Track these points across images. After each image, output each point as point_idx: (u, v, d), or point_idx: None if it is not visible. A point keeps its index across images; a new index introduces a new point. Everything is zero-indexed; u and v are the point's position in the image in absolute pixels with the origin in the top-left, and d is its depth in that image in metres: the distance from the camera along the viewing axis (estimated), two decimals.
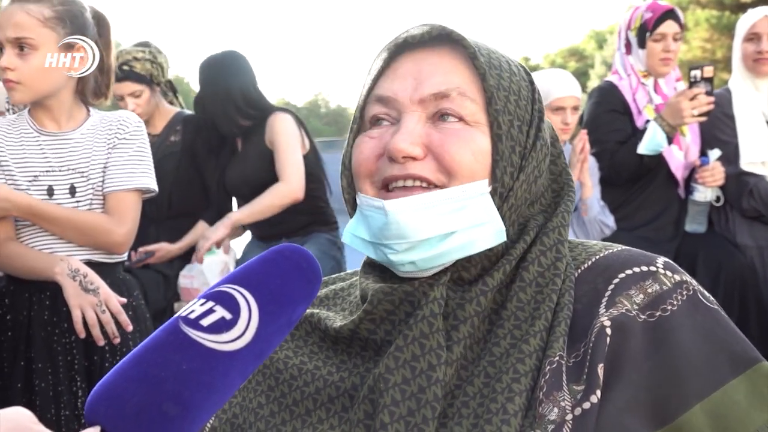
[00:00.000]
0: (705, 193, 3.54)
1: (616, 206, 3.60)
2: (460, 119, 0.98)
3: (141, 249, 3.46)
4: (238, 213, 3.59)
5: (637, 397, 0.89)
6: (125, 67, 3.57)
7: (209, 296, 0.73)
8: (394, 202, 0.96)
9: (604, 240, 3.49)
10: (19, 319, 2.35)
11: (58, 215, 2.29)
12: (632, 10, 3.72)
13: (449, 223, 0.96)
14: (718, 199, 3.58)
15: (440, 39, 1.02)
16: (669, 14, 3.59)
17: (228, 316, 0.71)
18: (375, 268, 1.08)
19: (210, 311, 0.71)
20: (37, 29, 2.24)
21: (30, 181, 2.31)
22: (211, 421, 1.10)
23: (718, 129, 3.59)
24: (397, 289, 1.00)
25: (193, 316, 0.71)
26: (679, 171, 3.60)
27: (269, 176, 3.54)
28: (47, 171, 2.33)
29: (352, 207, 1.06)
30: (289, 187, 3.45)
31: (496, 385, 0.91)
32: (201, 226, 3.65)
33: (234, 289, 0.73)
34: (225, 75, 3.62)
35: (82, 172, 2.35)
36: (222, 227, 3.46)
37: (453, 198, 0.96)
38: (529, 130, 1.02)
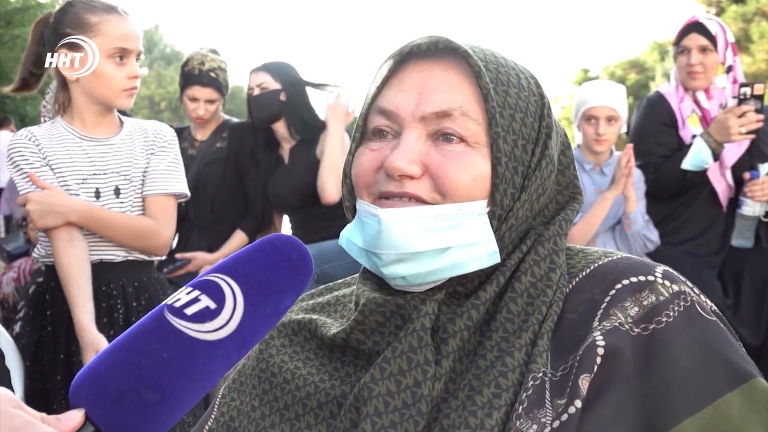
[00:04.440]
0: (754, 208, 3.46)
1: (660, 220, 3.54)
2: (462, 140, 0.96)
3: (178, 255, 3.51)
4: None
5: (625, 409, 0.88)
6: (212, 74, 3.67)
7: (196, 285, 0.74)
8: (388, 211, 0.95)
9: (648, 255, 3.45)
10: (58, 314, 2.43)
11: (114, 220, 2.38)
12: None
13: (442, 239, 0.95)
14: (767, 214, 3.50)
15: (447, 51, 0.99)
16: (693, 27, 3.54)
17: (212, 305, 0.72)
18: (373, 275, 1.06)
19: (195, 300, 0.72)
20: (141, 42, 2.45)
21: (79, 184, 2.39)
22: (209, 424, 1.11)
23: (765, 143, 3.50)
24: (389, 302, 0.99)
25: (178, 304, 0.72)
26: (719, 185, 3.53)
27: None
28: (94, 174, 2.41)
29: (352, 214, 1.06)
30: (322, 187, 3.44)
31: (477, 399, 0.90)
32: (239, 234, 3.68)
33: (220, 278, 0.74)
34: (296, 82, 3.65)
35: (125, 174, 2.44)
36: None
37: (449, 215, 0.95)
38: (535, 148, 1.00)
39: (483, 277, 0.99)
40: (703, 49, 3.50)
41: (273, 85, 3.59)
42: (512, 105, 0.98)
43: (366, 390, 0.93)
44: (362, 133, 1.05)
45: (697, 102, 3.60)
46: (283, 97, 3.59)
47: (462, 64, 0.98)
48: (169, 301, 0.74)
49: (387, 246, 0.96)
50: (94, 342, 2.24)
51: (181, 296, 0.73)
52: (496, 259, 0.97)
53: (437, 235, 0.95)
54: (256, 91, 3.63)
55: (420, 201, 0.96)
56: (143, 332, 0.71)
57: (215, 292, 0.73)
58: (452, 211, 0.95)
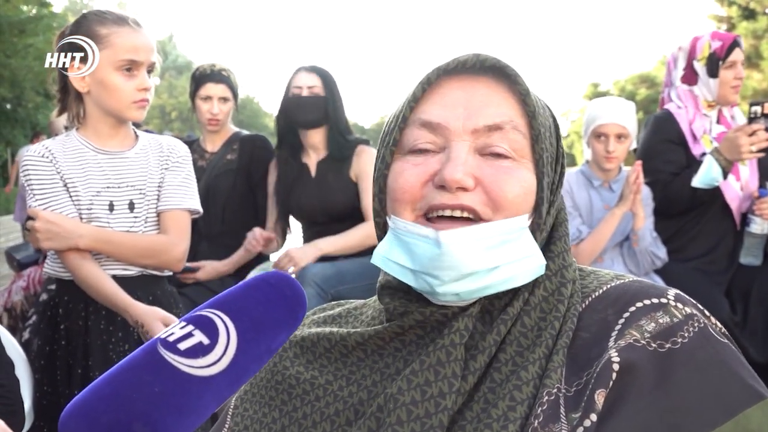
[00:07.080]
0: (762, 226, 3.43)
1: (669, 237, 3.53)
2: (509, 155, 0.99)
3: (187, 264, 3.51)
4: (326, 245, 3.45)
5: (641, 423, 0.88)
6: (224, 73, 3.70)
7: (190, 320, 0.74)
8: (448, 234, 0.96)
9: (656, 272, 3.44)
10: (74, 328, 2.43)
11: (122, 240, 2.38)
12: (694, 41, 3.63)
13: (496, 256, 0.97)
14: None
15: (485, 69, 1.02)
16: (736, 43, 3.57)
17: (206, 341, 0.72)
18: (398, 291, 1.07)
19: (189, 335, 0.72)
20: (155, 54, 2.45)
21: (93, 196, 2.39)
22: None
23: None
24: (429, 318, 1.02)
25: (171, 338, 0.72)
26: (734, 202, 3.51)
27: (349, 207, 3.52)
28: (107, 187, 2.41)
29: (382, 230, 1.06)
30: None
31: (493, 411, 0.92)
32: None
33: (215, 314, 0.74)
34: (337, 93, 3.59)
35: (140, 189, 2.44)
36: (311, 255, 3.37)
37: (500, 231, 0.97)
38: (556, 166, 1.05)
39: (512, 293, 1.02)
40: (742, 64, 3.56)
41: (322, 91, 3.53)
42: (544, 125, 1.03)
43: (392, 401, 0.95)
44: (396, 147, 1.05)
45: (721, 119, 3.59)
46: (328, 106, 3.54)
47: (502, 82, 1.02)
48: (162, 335, 0.74)
49: (448, 267, 0.96)
50: (152, 311, 2.27)
51: (174, 330, 0.74)
52: (542, 270, 1.01)
53: (494, 253, 0.97)
54: (305, 92, 3.53)
55: (473, 213, 0.98)
56: (136, 365, 0.72)
57: (209, 328, 0.73)
58: (503, 227, 0.97)
